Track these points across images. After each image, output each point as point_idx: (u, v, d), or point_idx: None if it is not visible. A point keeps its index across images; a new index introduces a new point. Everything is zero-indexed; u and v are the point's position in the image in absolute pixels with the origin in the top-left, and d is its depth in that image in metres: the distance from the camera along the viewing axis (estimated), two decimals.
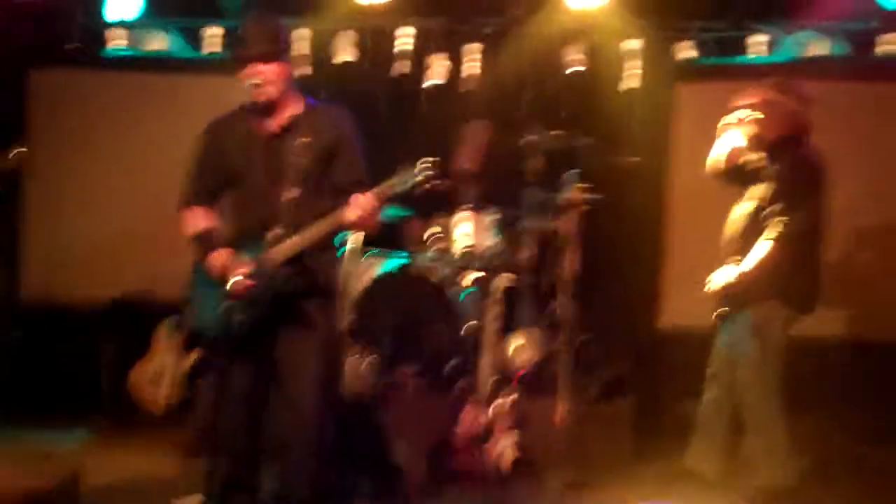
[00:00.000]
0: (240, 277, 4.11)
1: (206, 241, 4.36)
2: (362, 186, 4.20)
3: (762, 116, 5.22)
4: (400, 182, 4.06)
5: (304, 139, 4.24)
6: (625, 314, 6.72)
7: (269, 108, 4.31)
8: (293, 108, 4.38)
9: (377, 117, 7.13)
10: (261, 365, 4.35)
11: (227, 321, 4.12)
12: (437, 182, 4.11)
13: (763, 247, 5.06)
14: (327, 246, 4.39)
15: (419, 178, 4.05)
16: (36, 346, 7.06)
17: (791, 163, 5.13)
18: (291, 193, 4.19)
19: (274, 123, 4.35)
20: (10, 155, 4.77)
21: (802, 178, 5.12)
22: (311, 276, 4.28)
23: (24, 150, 4.80)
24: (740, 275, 5.15)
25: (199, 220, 4.45)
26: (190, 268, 4.46)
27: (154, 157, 6.86)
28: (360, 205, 4.04)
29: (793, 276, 5.10)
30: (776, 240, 5.01)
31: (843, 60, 6.75)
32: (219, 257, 4.26)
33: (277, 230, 4.17)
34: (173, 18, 7.40)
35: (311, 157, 4.25)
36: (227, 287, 4.13)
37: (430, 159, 4.05)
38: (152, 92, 7.22)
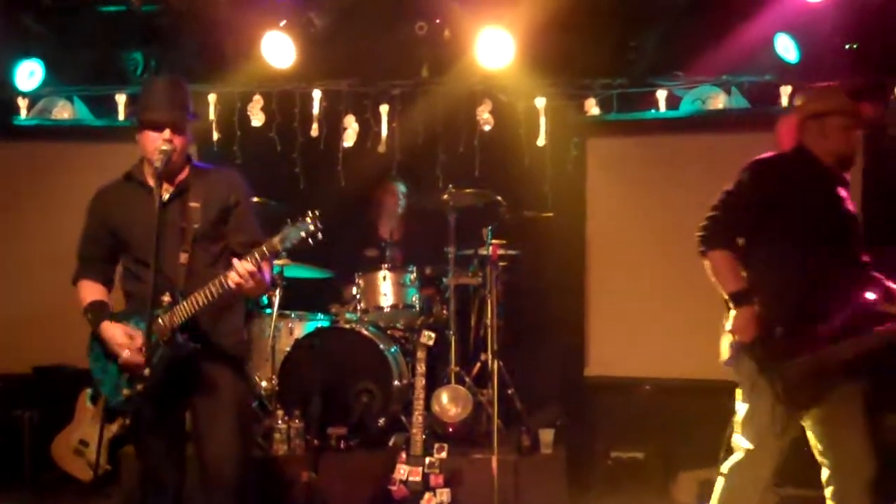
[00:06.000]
0: (130, 348, 4.04)
1: (96, 314, 4.26)
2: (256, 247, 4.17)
3: None
4: (287, 235, 3.99)
5: (193, 204, 4.22)
6: (552, 365, 6.79)
7: (166, 175, 4.21)
8: (182, 173, 4.32)
9: (292, 180, 7.11)
10: (175, 431, 4.31)
11: (128, 392, 4.04)
12: (321, 235, 4.01)
13: None
14: (230, 307, 4.32)
15: (306, 230, 3.97)
16: None
17: None
18: (182, 259, 4.17)
19: (164, 189, 4.24)
20: None
21: None
22: (212, 338, 4.22)
23: None
24: None
25: (89, 293, 4.35)
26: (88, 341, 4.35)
27: (67, 226, 6.67)
28: (238, 271, 3.97)
29: None
30: None
31: (741, 113, 6.97)
32: (109, 329, 4.17)
33: (168, 297, 4.11)
34: (77, 86, 7.31)
35: (202, 222, 4.22)
36: (122, 359, 4.07)
37: (311, 213, 4.00)
38: (58, 160, 7.10)
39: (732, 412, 5.87)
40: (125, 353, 4.06)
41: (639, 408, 6.17)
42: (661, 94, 7.06)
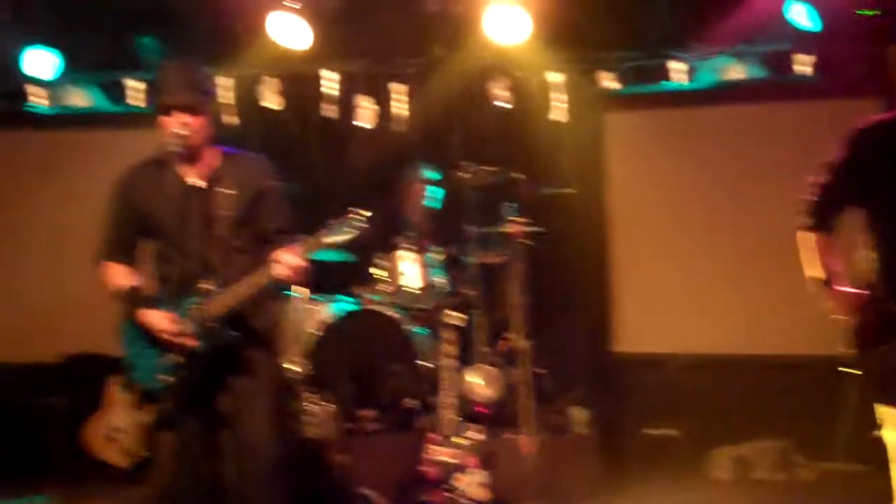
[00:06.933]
0: (175, 334, 4.01)
1: (133, 299, 4.23)
2: (288, 234, 4.18)
3: None
4: (333, 233, 4.01)
5: (227, 191, 4.19)
6: (580, 343, 6.77)
7: (190, 158, 4.20)
8: (213, 159, 4.29)
9: (308, 162, 7.07)
10: (213, 417, 4.24)
11: (169, 378, 4.03)
12: (366, 233, 4.02)
13: None
14: (264, 293, 4.26)
15: (353, 229, 3.98)
16: None
17: None
18: (218, 246, 4.15)
19: (195, 175, 4.24)
20: None
21: None
22: (248, 324, 4.20)
23: None
24: None
25: (121, 276, 4.32)
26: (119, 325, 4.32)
27: (86, 212, 6.59)
28: (286, 262, 3.99)
29: None
30: None
31: (759, 83, 6.92)
32: (150, 315, 4.14)
33: (207, 284, 4.08)
34: (92, 73, 7.27)
35: (236, 209, 4.20)
36: (164, 344, 4.05)
37: (360, 212, 3.99)
38: (77, 148, 7.06)
39: (765, 386, 5.88)
40: (169, 339, 4.04)
41: (670, 383, 6.13)
42: (678, 66, 7.00)
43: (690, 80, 7.04)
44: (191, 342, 4.02)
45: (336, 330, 6.05)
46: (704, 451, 5.60)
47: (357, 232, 3.98)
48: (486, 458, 5.42)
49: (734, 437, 6.08)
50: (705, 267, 6.56)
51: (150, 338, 4.16)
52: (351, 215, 3.99)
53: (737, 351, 6.38)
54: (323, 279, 6.50)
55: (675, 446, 6.10)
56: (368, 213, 4.03)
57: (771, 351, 6.03)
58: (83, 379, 6.72)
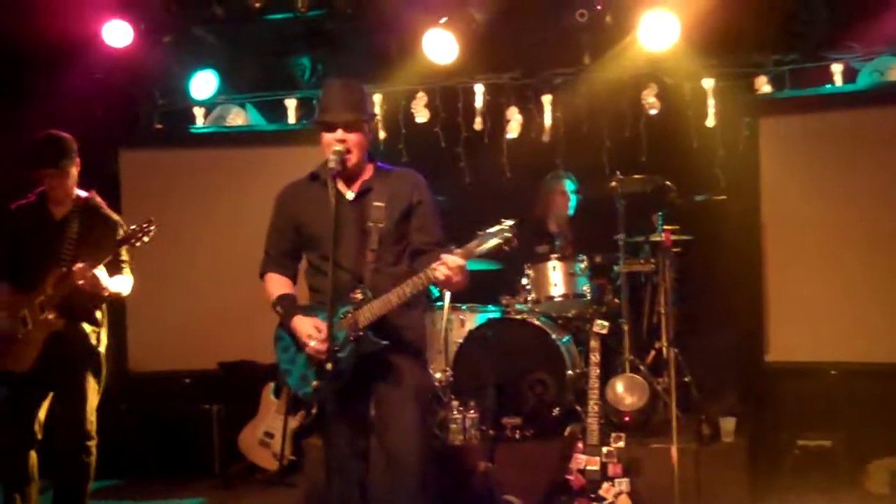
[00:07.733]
0: (323, 342, 4.10)
1: (286, 307, 4.37)
2: (440, 247, 4.22)
3: None
4: (484, 242, 4.02)
5: (378, 204, 4.29)
6: (731, 352, 6.61)
7: (347, 173, 4.32)
8: (366, 173, 4.40)
9: (459, 174, 7.17)
10: (361, 423, 4.35)
11: (317, 383, 4.17)
12: (516, 242, 4.03)
13: None
14: (412, 304, 4.35)
15: (502, 238, 4.01)
16: (145, 416, 7.17)
17: None
18: (369, 257, 4.24)
19: (348, 189, 4.36)
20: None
21: None
22: (396, 333, 4.27)
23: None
24: None
25: (277, 286, 4.48)
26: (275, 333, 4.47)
27: (243, 227, 6.88)
28: (448, 264, 4.02)
29: None
30: None
31: None
32: (299, 322, 4.27)
33: (358, 294, 4.19)
34: (250, 93, 7.59)
35: (387, 221, 4.28)
36: (312, 352, 4.18)
37: (511, 221, 4.03)
38: (236, 165, 7.32)
39: None
40: (312, 345, 4.16)
41: (825, 394, 5.88)
42: (837, 68, 6.78)
43: (850, 81, 6.80)
44: (335, 349, 4.11)
45: (481, 338, 6.12)
46: (860, 464, 5.35)
47: (507, 240, 4.00)
48: (632, 467, 5.36)
49: (892, 449, 5.80)
50: (862, 274, 6.28)
51: (300, 345, 4.29)
52: (501, 224, 4.03)
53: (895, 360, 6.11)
54: (470, 289, 6.61)
55: (829, 458, 5.86)
56: (516, 222, 4.06)
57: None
58: (238, 386, 7.01)
